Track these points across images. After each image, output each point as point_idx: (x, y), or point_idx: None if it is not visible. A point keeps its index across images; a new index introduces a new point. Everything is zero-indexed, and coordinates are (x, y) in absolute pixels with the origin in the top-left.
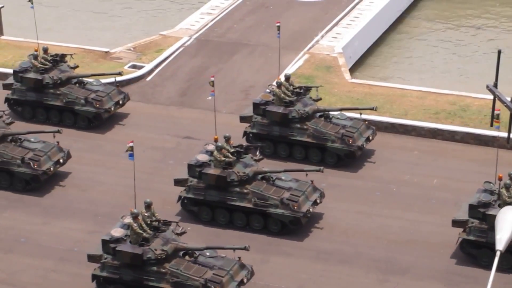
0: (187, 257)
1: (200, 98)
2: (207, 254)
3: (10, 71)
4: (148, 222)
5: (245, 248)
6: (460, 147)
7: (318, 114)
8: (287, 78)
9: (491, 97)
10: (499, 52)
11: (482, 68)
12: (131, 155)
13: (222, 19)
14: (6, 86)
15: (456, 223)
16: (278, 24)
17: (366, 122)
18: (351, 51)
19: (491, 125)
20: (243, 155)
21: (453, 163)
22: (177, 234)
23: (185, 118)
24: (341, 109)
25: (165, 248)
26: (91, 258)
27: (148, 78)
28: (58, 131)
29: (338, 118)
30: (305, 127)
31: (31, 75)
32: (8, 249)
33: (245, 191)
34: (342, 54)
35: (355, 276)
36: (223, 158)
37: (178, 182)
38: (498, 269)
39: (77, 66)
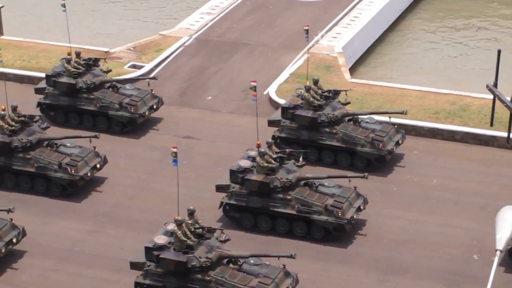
0: (231, 265)
1: (200, 97)
2: (251, 261)
3: (11, 71)
4: (192, 229)
5: (291, 256)
6: (460, 147)
7: (347, 118)
8: (316, 82)
9: (491, 96)
10: (499, 52)
11: (482, 67)
12: (175, 161)
13: (222, 18)
14: (38, 91)
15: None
16: (307, 28)
17: (396, 126)
18: (351, 50)
19: (491, 125)
20: (285, 161)
21: (453, 163)
22: (221, 241)
23: (184, 118)
24: (370, 113)
25: (210, 255)
26: (134, 265)
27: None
28: (96, 136)
29: (367, 122)
30: (334, 131)
31: (64, 79)
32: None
33: (288, 197)
34: (342, 54)
35: (355, 276)
36: (266, 164)
37: (219, 188)
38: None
39: (110, 70)
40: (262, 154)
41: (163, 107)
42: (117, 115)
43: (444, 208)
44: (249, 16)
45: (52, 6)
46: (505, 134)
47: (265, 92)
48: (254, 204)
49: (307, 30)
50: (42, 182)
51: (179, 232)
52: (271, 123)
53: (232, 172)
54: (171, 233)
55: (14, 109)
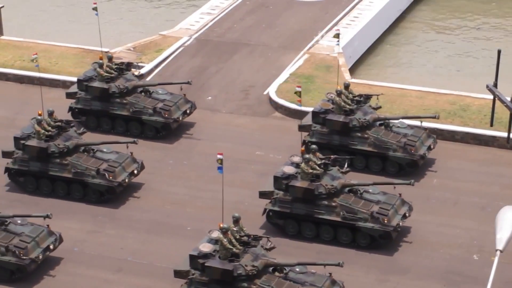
0: (276, 273)
1: (200, 98)
2: (297, 270)
3: (10, 71)
4: (237, 237)
5: (339, 264)
6: (460, 147)
7: (378, 123)
8: (347, 86)
9: (491, 97)
10: (499, 52)
11: (482, 67)
12: (220, 168)
13: (222, 19)
14: (69, 95)
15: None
16: (338, 32)
17: (427, 131)
18: (351, 50)
19: (491, 125)
20: (330, 167)
21: (453, 163)
22: (266, 249)
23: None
24: (402, 118)
25: (256, 264)
26: (178, 273)
27: (148, 78)
28: (135, 142)
29: (398, 127)
30: (365, 136)
31: (96, 84)
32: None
33: (333, 204)
34: (342, 54)
35: (355, 276)
36: (311, 171)
37: (263, 195)
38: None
39: (142, 75)
40: (307, 161)
41: None
42: (151, 120)
43: (444, 208)
44: (249, 16)
45: (52, 5)
46: (505, 134)
47: (265, 92)
48: (299, 211)
49: (338, 34)
50: (79, 188)
51: (225, 240)
52: (302, 127)
53: (276, 179)
54: (215, 241)
55: (51, 114)
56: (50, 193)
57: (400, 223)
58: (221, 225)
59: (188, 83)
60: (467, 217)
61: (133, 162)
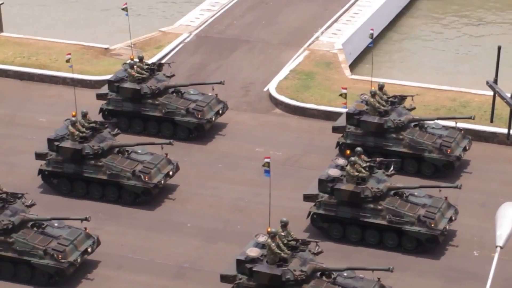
0: (324, 278)
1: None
2: (345, 274)
3: (10, 68)
4: (285, 241)
5: (389, 270)
6: None
7: (412, 124)
8: (381, 87)
9: (491, 93)
10: (499, 48)
11: (482, 64)
12: (267, 172)
13: (222, 15)
14: (100, 96)
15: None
16: (372, 31)
17: (462, 132)
18: (351, 47)
19: (491, 121)
20: (375, 170)
21: None
22: (313, 253)
23: None
24: (437, 118)
25: (304, 268)
26: (224, 278)
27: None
28: (170, 143)
29: (433, 128)
30: (400, 137)
31: (127, 85)
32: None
33: (379, 207)
34: (342, 51)
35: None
36: (356, 173)
37: (308, 198)
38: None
39: (173, 75)
40: (352, 163)
41: None
42: (183, 121)
43: None
44: (249, 13)
45: (52, 2)
46: (505, 131)
47: (265, 89)
48: (344, 214)
49: (372, 34)
50: (114, 190)
51: (273, 244)
52: (336, 129)
53: (321, 181)
54: (262, 245)
55: (84, 115)
56: (85, 195)
57: (447, 227)
58: (269, 230)
59: (221, 83)
60: (467, 213)
61: (168, 163)
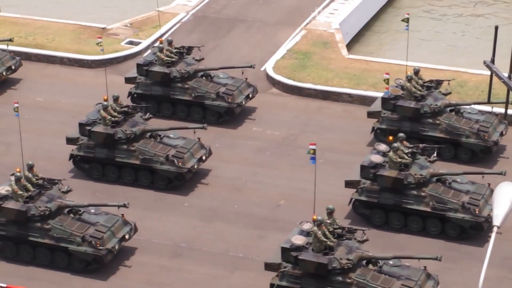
0: (370, 266)
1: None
2: (390, 263)
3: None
4: (331, 229)
5: (437, 258)
6: None
7: (448, 109)
8: (416, 72)
9: (488, 73)
10: (496, 28)
11: (479, 43)
12: (313, 159)
13: None
14: (128, 80)
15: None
16: (408, 16)
17: (499, 116)
18: (348, 27)
19: (488, 101)
20: (417, 156)
21: None
22: (359, 241)
23: None
24: (473, 103)
25: (351, 257)
26: (269, 266)
27: (145, 54)
28: (204, 127)
29: (469, 113)
30: (437, 122)
31: (157, 68)
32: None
33: (423, 194)
34: (339, 30)
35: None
36: (399, 160)
37: (349, 184)
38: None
39: (202, 59)
40: (395, 149)
41: None
42: (213, 105)
43: None
44: None
45: None
46: (502, 110)
47: (262, 69)
48: (386, 201)
49: (407, 19)
50: (146, 174)
51: (319, 232)
52: (371, 114)
53: (363, 168)
54: (307, 233)
55: (116, 99)
56: (117, 180)
57: (491, 214)
58: (315, 217)
59: (251, 67)
60: None
61: (201, 148)
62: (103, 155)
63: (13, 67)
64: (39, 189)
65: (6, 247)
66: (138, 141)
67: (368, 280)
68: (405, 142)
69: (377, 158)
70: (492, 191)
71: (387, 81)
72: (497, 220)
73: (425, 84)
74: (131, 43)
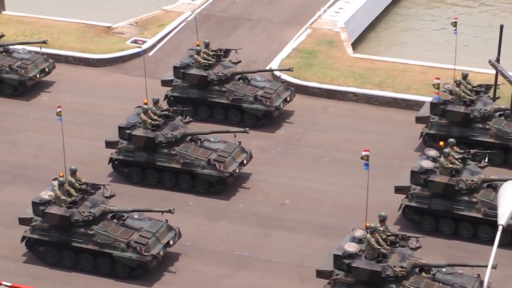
0: (423, 274)
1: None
2: (443, 270)
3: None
4: (384, 236)
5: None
6: None
7: (497, 114)
8: (465, 76)
9: (494, 72)
10: (502, 27)
11: (485, 43)
12: (366, 165)
13: None
14: (165, 83)
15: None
16: (456, 20)
17: None
18: (353, 25)
19: (494, 100)
20: (468, 161)
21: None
22: (411, 248)
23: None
24: None
25: (404, 264)
26: (320, 274)
27: (150, 53)
28: (245, 131)
29: None
30: (487, 127)
31: (194, 71)
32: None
33: (474, 200)
34: (345, 29)
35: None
36: (450, 165)
37: (399, 190)
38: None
39: (239, 61)
40: (446, 155)
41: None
42: (251, 108)
43: None
44: None
45: None
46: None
47: (268, 67)
48: (437, 207)
49: (455, 23)
50: (187, 179)
51: (373, 239)
52: (419, 119)
53: (413, 173)
54: (359, 240)
55: (156, 102)
56: (157, 184)
57: None
58: (368, 224)
59: (289, 70)
60: None
61: (242, 152)
62: (143, 158)
63: (46, 70)
64: (82, 194)
65: (49, 253)
66: (179, 145)
67: None
68: (455, 148)
69: (427, 164)
70: None
71: (437, 86)
72: (502, 219)
73: (474, 88)
74: (136, 42)
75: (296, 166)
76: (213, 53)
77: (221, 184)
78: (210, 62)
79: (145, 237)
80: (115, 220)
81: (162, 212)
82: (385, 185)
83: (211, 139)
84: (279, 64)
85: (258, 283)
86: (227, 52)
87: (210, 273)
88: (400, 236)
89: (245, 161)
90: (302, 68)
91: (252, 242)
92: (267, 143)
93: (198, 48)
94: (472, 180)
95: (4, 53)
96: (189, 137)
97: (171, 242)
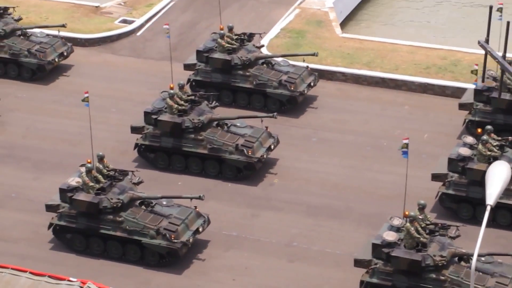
0: (462, 263)
1: (191, 53)
2: (483, 259)
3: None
4: (423, 225)
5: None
6: (451, 102)
7: None
8: (510, 62)
9: (483, 52)
10: (491, 8)
11: (474, 23)
12: (405, 153)
13: None
14: (187, 67)
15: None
16: (501, 6)
17: None
18: (341, 5)
19: (482, 81)
20: (506, 149)
21: (444, 118)
22: (451, 237)
23: (176, 73)
24: None
25: (444, 253)
26: (358, 263)
27: (139, 33)
28: (273, 116)
29: None
30: None
31: (217, 55)
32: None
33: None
34: (333, 9)
35: (346, 230)
36: (489, 153)
37: (436, 177)
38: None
39: (263, 46)
40: (484, 142)
41: (154, 62)
42: (276, 93)
43: (434, 162)
44: None
45: None
46: None
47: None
48: (475, 195)
49: (501, 8)
50: (214, 164)
51: (412, 228)
52: (462, 106)
53: (450, 161)
54: (397, 229)
55: (182, 87)
56: (184, 170)
57: None
58: (408, 213)
59: (314, 54)
60: None
61: (269, 137)
62: (169, 144)
63: (65, 53)
64: (110, 181)
65: (76, 240)
66: (205, 130)
67: (462, 277)
68: (492, 135)
69: (465, 151)
70: None
71: (475, 72)
72: (490, 200)
73: None
74: (124, 21)
75: (284, 146)
76: (236, 37)
77: (248, 170)
78: (234, 46)
79: (175, 224)
80: (143, 207)
81: (191, 198)
82: (374, 165)
83: (238, 124)
84: (267, 44)
85: (246, 262)
86: (251, 36)
87: (199, 253)
88: (439, 224)
89: (272, 146)
90: (291, 48)
91: (240, 222)
92: (255, 123)
93: (222, 32)
94: None
95: (22, 37)
96: (216, 122)
97: (200, 229)
